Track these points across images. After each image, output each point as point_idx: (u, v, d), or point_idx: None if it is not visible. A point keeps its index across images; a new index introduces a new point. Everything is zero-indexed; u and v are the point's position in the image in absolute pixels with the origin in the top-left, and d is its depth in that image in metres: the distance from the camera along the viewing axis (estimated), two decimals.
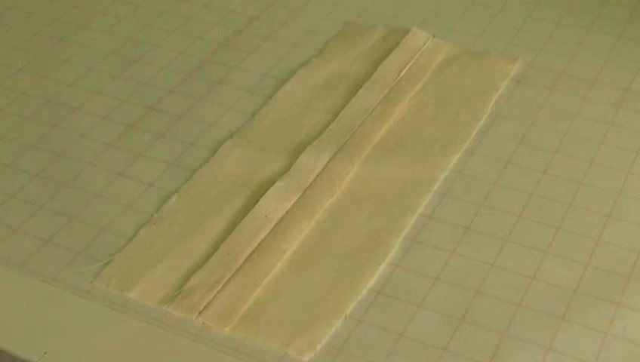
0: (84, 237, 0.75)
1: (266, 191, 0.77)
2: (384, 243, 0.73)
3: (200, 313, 0.68)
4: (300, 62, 0.92)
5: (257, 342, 0.67)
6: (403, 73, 0.90)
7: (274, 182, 0.78)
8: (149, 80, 0.91)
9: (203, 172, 0.80)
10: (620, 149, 0.82)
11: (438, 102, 0.87)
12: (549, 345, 0.66)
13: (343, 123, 0.84)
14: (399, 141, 0.83)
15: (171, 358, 0.66)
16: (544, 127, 0.84)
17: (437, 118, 0.85)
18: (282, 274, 0.71)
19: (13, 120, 0.87)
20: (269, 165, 0.80)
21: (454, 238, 0.74)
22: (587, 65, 0.91)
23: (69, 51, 0.95)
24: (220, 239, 0.74)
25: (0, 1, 1.03)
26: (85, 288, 0.71)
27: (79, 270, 0.72)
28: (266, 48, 0.95)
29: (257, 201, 0.76)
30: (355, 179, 0.79)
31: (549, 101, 0.87)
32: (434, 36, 0.94)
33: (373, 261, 0.72)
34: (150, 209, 0.77)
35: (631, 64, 0.91)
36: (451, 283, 0.70)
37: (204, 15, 1.00)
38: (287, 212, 0.76)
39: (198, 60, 0.93)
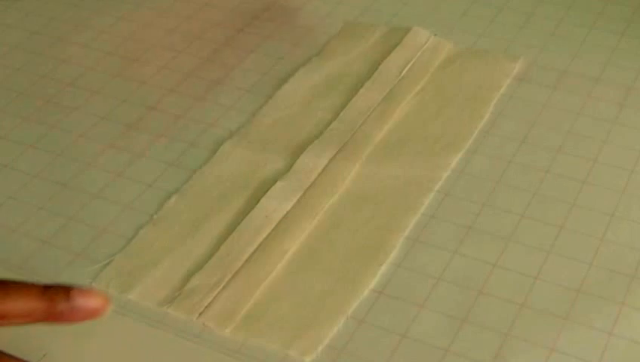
0: (84, 238, 0.75)
1: (267, 191, 0.77)
2: (386, 244, 0.73)
3: (200, 314, 0.68)
4: (300, 62, 0.92)
5: (258, 343, 0.67)
6: (404, 72, 0.89)
7: (274, 182, 0.78)
8: (149, 79, 0.91)
9: (203, 172, 0.80)
10: (623, 148, 0.81)
11: (439, 101, 0.87)
12: (552, 345, 0.66)
13: (344, 122, 0.84)
14: (401, 140, 0.83)
15: (172, 360, 0.66)
16: (547, 126, 0.84)
17: (439, 117, 0.85)
18: (283, 275, 0.71)
19: (11, 120, 0.87)
20: (269, 165, 0.80)
21: (457, 238, 0.73)
22: (590, 64, 0.91)
23: (67, 51, 0.95)
24: (221, 239, 0.74)
25: None
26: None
27: (78, 271, 0.72)
28: (266, 47, 0.95)
29: (258, 201, 0.76)
30: (357, 179, 0.79)
31: (552, 100, 0.87)
32: (435, 35, 0.94)
33: (375, 261, 0.72)
34: (150, 209, 0.77)
35: (634, 62, 0.91)
36: (454, 284, 0.70)
37: (204, 14, 1.00)
38: (288, 212, 0.76)
39: (198, 60, 0.93)
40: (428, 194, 0.77)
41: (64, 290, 0.62)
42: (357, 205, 0.77)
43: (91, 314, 0.62)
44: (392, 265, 0.72)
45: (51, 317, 0.62)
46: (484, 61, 0.91)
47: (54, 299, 0.62)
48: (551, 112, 0.85)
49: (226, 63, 0.93)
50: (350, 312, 0.68)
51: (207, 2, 1.02)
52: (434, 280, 0.70)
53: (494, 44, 0.94)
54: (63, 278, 0.71)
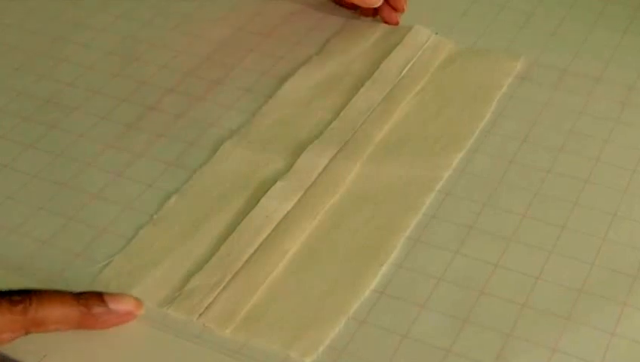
0: (83, 239, 0.75)
1: (267, 191, 0.77)
2: (387, 244, 0.73)
3: (201, 315, 0.68)
4: (300, 61, 0.92)
5: (259, 343, 0.67)
6: (405, 71, 0.90)
7: (275, 182, 0.78)
8: (149, 79, 0.91)
9: (203, 172, 0.80)
10: (625, 147, 0.82)
11: (440, 100, 0.87)
12: (554, 345, 0.66)
13: (345, 122, 0.84)
14: (401, 140, 0.83)
15: (172, 360, 0.66)
16: (548, 125, 0.84)
17: (440, 116, 0.85)
18: (284, 275, 0.71)
19: (11, 120, 0.86)
20: (269, 165, 0.80)
21: (458, 238, 0.74)
22: (591, 63, 0.91)
23: (67, 50, 0.95)
24: (221, 240, 0.74)
25: None
26: (84, 290, 0.70)
27: (78, 271, 0.72)
28: (266, 46, 0.95)
29: (258, 201, 0.76)
30: (357, 179, 0.79)
31: (553, 99, 0.87)
32: (436, 33, 0.94)
33: (376, 261, 0.72)
34: (150, 209, 0.77)
35: (636, 61, 0.91)
36: (455, 284, 0.70)
37: (204, 13, 1.00)
38: (288, 212, 0.76)
39: (198, 59, 0.93)
40: (429, 194, 0.77)
41: (97, 296, 0.66)
42: (357, 205, 0.77)
43: (124, 318, 0.67)
44: (393, 266, 0.72)
45: (87, 321, 0.66)
46: (485, 60, 0.92)
47: (89, 304, 0.66)
48: (552, 111, 0.86)
49: (226, 63, 0.93)
50: (351, 312, 0.68)
51: (206, 0, 1.02)
52: (435, 280, 0.71)
53: (495, 43, 0.94)
54: (63, 278, 0.72)
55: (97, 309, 0.66)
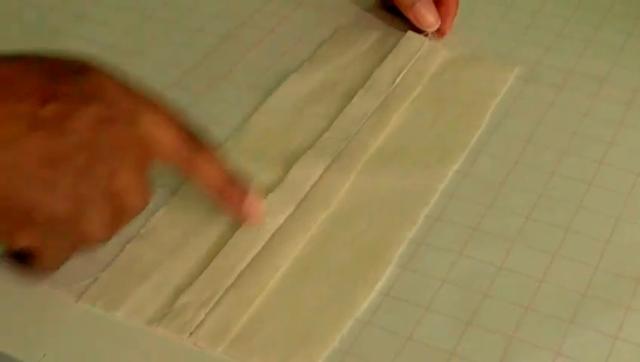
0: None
1: None
2: (382, 258, 0.74)
3: (191, 334, 0.69)
4: (290, 68, 0.93)
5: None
6: (399, 79, 0.91)
7: (266, 195, 0.79)
8: (149, 74, 0.90)
9: (193, 183, 0.80)
10: (630, 150, 0.84)
11: (435, 109, 0.88)
12: (557, 349, 0.67)
13: (338, 131, 0.85)
14: (396, 150, 0.84)
15: (172, 358, 0.68)
16: (553, 127, 0.86)
17: (434, 125, 0.87)
18: (276, 292, 0.72)
19: None
20: (261, 176, 0.81)
21: (462, 240, 0.75)
22: (597, 64, 0.93)
23: (64, 43, 0.95)
24: (211, 254, 0.74)
25: None
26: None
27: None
28: (264, 45, 0.97)
29: None
30: (351, 191, 0.80)
31: (558, 100, 0.89)
32: (430, 38, 0.96)
33: (371, 277, 0.73)
34: (137, 222, 0.76)
35: None
36: (459, 286, 0.72)
37: (206, 7, 1.02)
38: (280, 226, 0.76)
39: (200, 54, 0.94)
40: (424, 207, 0.79)
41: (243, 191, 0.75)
42: (351, 218, 0.78)
43: (245, 210, 0.75)
44: (397, 267, 0.73)
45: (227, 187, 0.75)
46: (481, 66, 0.93)
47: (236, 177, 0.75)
48: (557, 113, 0.88)
49: (228, 58, 0.94)
50: (345, 330, 0.70)
51: None
52: (439, 282, 0.72)
53: (500, 43, 0.96)
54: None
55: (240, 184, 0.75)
